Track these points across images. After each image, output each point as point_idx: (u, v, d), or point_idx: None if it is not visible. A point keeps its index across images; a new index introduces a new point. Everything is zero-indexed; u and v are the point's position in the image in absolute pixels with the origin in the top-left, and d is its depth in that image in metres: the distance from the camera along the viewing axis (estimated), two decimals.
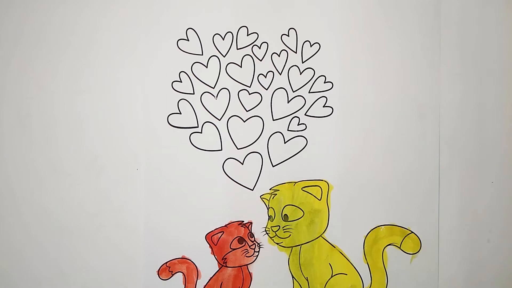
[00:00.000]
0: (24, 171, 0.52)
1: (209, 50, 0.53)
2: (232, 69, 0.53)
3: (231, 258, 0.54)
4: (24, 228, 0.52)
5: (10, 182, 0.52)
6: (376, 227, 0.55)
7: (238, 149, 0.54)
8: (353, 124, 0.55)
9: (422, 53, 0.55)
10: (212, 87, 0.53)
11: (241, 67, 0.53)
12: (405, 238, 0.55)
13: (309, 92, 0.54)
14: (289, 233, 0.54)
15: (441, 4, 0.56)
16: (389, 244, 0.55)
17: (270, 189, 0.54)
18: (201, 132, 0.53)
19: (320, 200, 0.55)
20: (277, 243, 0.54)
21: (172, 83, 0.53)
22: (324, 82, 0.55)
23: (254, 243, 0.54)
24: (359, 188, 0.55)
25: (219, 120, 0.53)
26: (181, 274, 0.53)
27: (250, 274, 0.54)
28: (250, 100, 0.54)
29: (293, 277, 0.54)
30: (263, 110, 0.54)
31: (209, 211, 0.54)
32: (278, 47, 0.54)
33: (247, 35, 0.53)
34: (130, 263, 0.53)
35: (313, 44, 0.54)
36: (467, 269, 0.56)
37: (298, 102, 0.54)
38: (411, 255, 0.55)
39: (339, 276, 0.54)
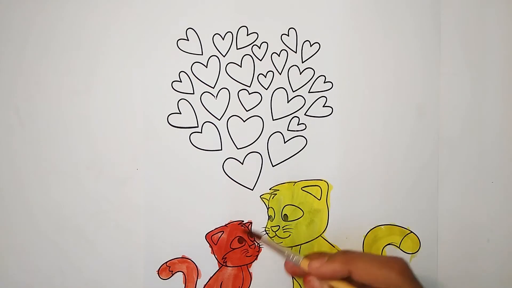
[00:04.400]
0: (23, 171, 0.52)
1: (209, 50, 0.53)
2: (232, 69, 0.53)
3: (231, 257, 0.54)
4: (23, 228, 0.52)
5: (9, 182, 0.52)
6: (375, 227, 0.55)
7: (238, 149, 0.54)
8: (353, 124, 0.55)
9: (422, 53, 0.55)
10: (212, 87, 0.53)
11: (241, 67, 0.53)
12: (405, 237, 0.55)
13: (309, 92, 0.54)
14: (289, 233, 0.55)
15: (441, 4, 0.55)
16: (389, 244, 0.55)
17: (270, 189, 0.54)
18: (201, 132, 0.53)
19: (319, 200, 0.55)
20: (277, 243, 0.54)
21: (172, 83, 0.53)
22: (324, 82, 0.55)
23: (254, 243, 0.54)
24: (358, 188, 0.55)
25: (219, 120, 0.53)
26: (181, 273, 0.53)
27: (250, 273, 0.54)
28: (250, 100, 0.54)
29: (293, 277, 0.54)
30: (263, 110, 0.54)
31: (209, 210, 0.54)
32: (278, 47, 0.54)
33: (247, 35, 0.53)
34: (130, 263, 0.53)
35: (313, 44, 0.54)
36: (467, 268, 0.56)
37: (298, 102, 0.54)
38: (410, 254, 0.55)
39: None
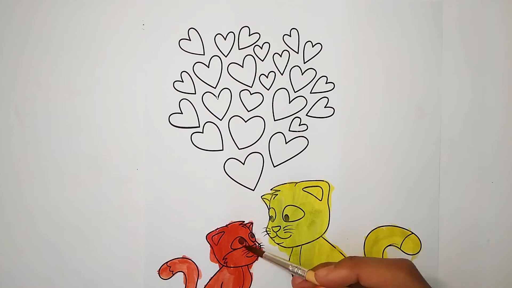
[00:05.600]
0: (22, 171, 0.52)
1: (211, 50, 0.53)
2: (233, 69, 0.53)
3: (231, 258, 0.54)
4: (23, 228, 0.52)
5: (8, 182, 0.52)
6: (376, 228, 0.55)
7: (239, 149, 0.54)
8: (354, 125, 0.55)
9: (423, 54, 0.55)
10: (213, 87, 0.53)
11: (242, 67, 0.53)
12: (405, 238, 0.55)
13: (310, 93, 0.54)
14: (290, 234, 0.55)
15: (443, 4, 0.56)
16: (390, 245, 0.55)
17: (271, 189, 0.54)
18: (202, 132, 0.53)
19: (321, 200, 0.55)
20: (278, 244, 0.54)
21: (174, 82, 0.52)
22: (326, 83, 0.54)
23: (255, 244, 0.54)
24: (359, 188, 0.55)
25: (221, 120, 0.53)
26: (182, 273, 0.53)
27: (251, 274, 0.54)
28: (251, 100, 0.54)
29: None
30: (265, 110, 0.54)
31: (210, 211, 0.53)
32: (280, 47, 0.54)
33: (249, 35, 0.53)
34: (131, 263, 0.53)
35: (314, 45, 0.54)
36: (467, 269, 0.56)
37: (300, 102, 0.54)
38: (411, 255, 0.56)
39: None
